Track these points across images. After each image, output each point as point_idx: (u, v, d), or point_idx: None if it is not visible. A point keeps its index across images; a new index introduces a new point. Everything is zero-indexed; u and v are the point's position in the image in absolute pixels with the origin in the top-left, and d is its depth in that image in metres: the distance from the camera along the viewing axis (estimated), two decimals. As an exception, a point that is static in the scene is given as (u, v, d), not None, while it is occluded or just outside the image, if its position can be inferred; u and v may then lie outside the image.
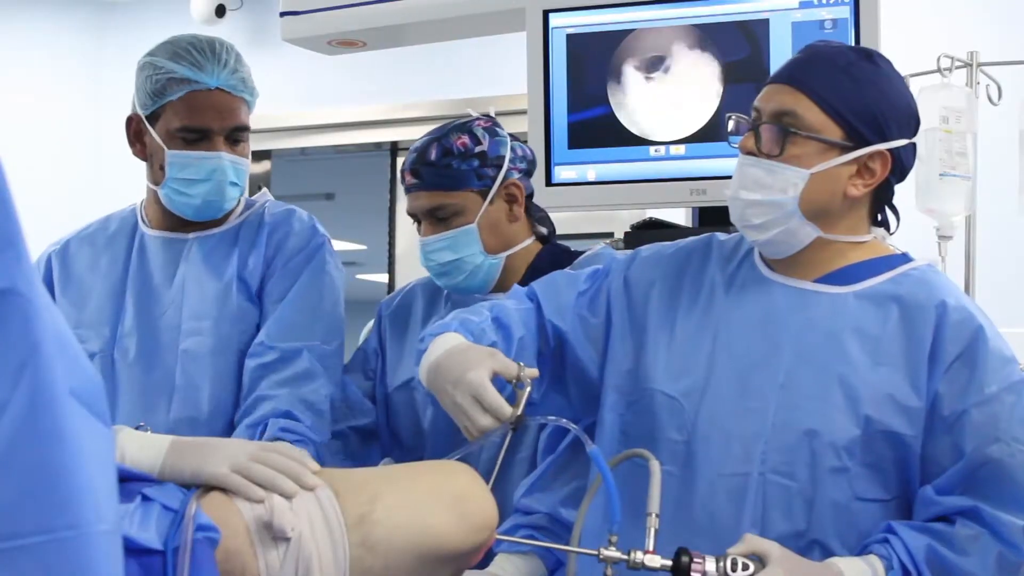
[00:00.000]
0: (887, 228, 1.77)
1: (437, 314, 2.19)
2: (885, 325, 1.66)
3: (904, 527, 1.59)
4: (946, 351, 1.63)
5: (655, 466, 1.48)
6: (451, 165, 2.08)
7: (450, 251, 2.11)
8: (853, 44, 2.36)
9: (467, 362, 1.59)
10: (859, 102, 1.66)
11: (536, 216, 2.20)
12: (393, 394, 2.20)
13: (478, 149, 2.09)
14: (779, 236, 1.70)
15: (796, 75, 1.70)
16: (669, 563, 1.45)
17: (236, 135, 2.11)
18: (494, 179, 2.10)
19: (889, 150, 1.67)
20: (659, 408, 1.74)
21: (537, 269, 2.14)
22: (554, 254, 2.17)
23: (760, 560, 1.50)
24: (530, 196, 2.19)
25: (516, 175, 2.14)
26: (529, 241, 2.18)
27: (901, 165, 1.71)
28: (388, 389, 2.21)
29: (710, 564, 1.46)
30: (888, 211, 1.76)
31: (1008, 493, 1.58)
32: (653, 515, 1.45)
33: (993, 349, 1.63)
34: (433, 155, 2.08)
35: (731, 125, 1.76)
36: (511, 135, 2.20)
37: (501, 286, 2.15)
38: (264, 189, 2.36)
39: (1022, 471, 1.58)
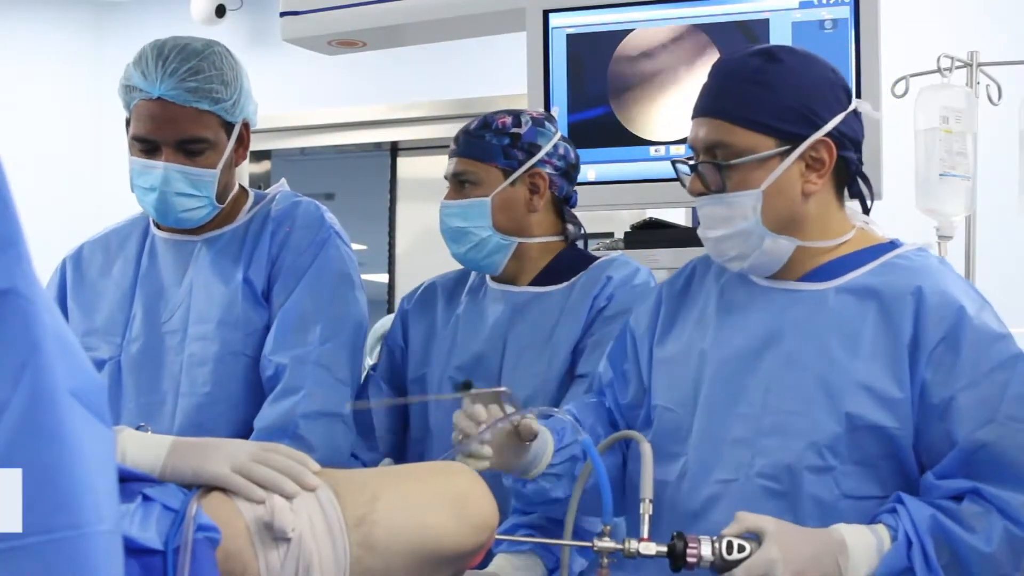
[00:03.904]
0: (862, 201, 1.73)
1: (457, 307, 2.21)
2: (864, 318, 1.64)
3: (911, 498, 1.57)
4: (927, 337, 1.60)
5: (646, 448, 1.48)
6: (483, 136, 2.14)
7: (459, 218, 2.14)
8: (853, 43, 2.37)
9: None
10: (776, 105, 1.64)
11: (569, 220, 2.21)
12: (409, 386, 2.22)
13: (514, 130, 2.14)
14: (758, 259, 1.70)
15: (709, 104, 1.68)
16: (664, 549, 1.46)
17: (189, 146, 2.04)
18: (522, 162, 2.13)
19: (827, 134, 1.65)
20: (661, 421, 1.76)
21: (553, 270, 2.17)
22: (572, 257, 2.19)
23: (757, 538, 1.49)
24: (567, 200, 2.20)
25: (549, 169, 2.15)
26: (552, 239, 2.19)
27: (848, 138, 1.68)
28: (405, 381, 2.23)
29: (705, 548, 1.47)
30: (860, 183, 1.72)
31: (1007, 474, 1.55)
32: (647, 501, 1.45)
33: (978, 328, 1.59)
34: (473, 125, 2.16)
35: (678, 170, 1.75)
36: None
37: (515, 274, 2.17)
38: (282, 180, 2.31)
39: (1018, 451, 1.55)
